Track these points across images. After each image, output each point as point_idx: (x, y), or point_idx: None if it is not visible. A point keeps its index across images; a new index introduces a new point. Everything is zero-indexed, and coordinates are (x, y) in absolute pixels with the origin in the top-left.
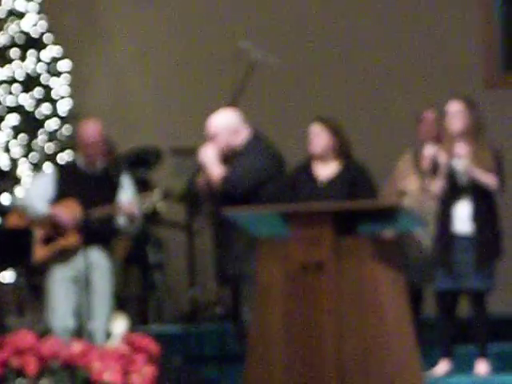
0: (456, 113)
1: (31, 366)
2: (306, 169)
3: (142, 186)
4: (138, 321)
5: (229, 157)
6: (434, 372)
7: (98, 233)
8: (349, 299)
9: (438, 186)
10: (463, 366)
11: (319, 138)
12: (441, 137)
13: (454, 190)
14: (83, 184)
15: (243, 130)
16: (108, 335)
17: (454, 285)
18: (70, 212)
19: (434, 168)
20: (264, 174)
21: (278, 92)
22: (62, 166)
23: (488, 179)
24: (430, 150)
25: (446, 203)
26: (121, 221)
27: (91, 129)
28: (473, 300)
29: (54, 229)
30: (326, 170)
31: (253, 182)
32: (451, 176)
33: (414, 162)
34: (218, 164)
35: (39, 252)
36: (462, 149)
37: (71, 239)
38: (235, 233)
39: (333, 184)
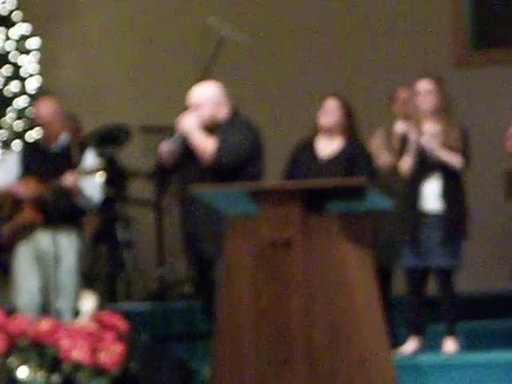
0: (426, 91)
1: None
2: (308, 146)
3: (110, 164)
4: (107, 299)
5: (210, 130)
6: (403, 350)
7: (62, 210)
8: (317, 277)
9: (406, 163)
10: (434, 344)
11: (333, 113)
12: (412, 115)
13: (423, 167)
14: (42, 162)
15: (226, 103)
16: (76, 313)
17: (421, 262)
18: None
19: (403, 145)
20: (251, 149)
21: (247, 68)
22: (27, 144)
23: (453, 159)
24: (399, 128)
25: (415, 181)
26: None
27: (46, 107)
28: (439, 278)
29: (12, 206)
30: (329, 147)
31: (244, 155)
32: (420, 154)
33: (386, 140)
34: (204, 133)
35: (4, 230)
36: (431, 127)
37: (28, 215)
38: (205, 211)
39: (333, 161)
